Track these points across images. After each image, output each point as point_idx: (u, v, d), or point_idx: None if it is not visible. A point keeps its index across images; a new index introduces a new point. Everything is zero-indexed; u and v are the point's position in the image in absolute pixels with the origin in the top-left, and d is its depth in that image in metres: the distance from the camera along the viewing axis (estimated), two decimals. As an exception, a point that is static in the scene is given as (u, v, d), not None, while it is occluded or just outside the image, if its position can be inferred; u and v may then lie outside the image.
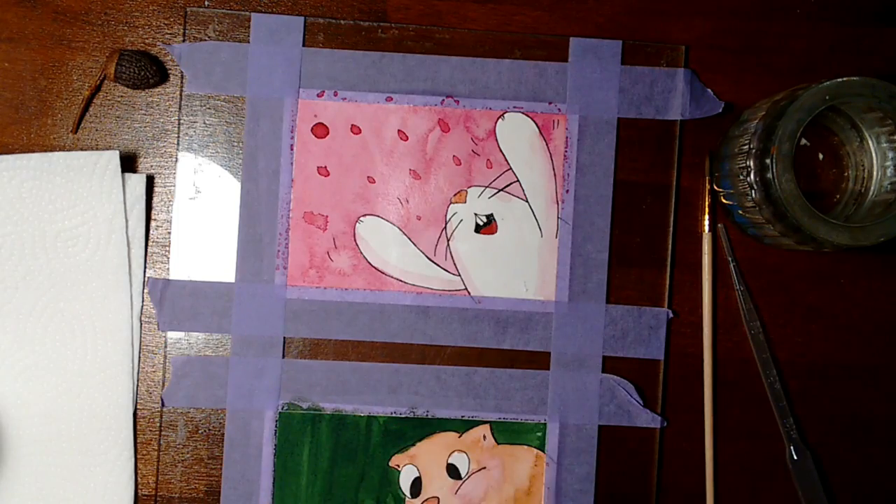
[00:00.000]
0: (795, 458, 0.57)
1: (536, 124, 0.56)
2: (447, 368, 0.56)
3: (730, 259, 0.57)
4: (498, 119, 0.56)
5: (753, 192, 0.52)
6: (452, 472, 0.56)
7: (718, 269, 0.57)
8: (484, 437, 0.56)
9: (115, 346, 0.55)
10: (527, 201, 0.56)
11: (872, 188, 0.55)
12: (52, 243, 0.54)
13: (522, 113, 0.56)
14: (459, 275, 0.56)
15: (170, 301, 0.55)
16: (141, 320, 0.55)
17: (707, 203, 0.57)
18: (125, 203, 0.54)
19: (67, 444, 0.54)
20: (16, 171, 0.53)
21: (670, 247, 0.57)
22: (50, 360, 0.54)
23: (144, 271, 0.55)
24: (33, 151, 0.55)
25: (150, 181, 0.55)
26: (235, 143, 0.56)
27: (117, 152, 0.54)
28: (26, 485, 0.54)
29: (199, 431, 0.56)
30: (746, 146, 0.52)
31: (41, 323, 0.54)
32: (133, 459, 0.55)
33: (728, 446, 0.57)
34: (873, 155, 0.55)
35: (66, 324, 0.54)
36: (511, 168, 0.56)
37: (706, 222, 0.57)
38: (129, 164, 0.56)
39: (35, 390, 0.54)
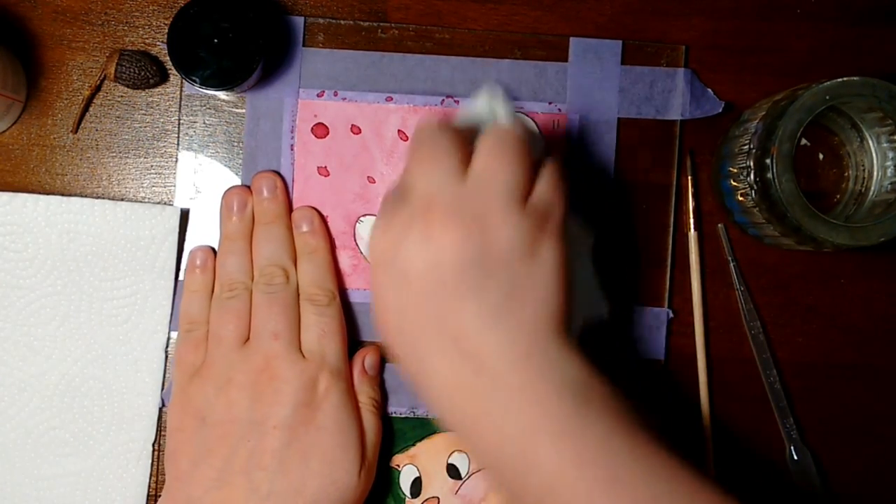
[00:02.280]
0: (795, 458, 0.57)
1: (536, 124, 0.56)
2: (447, 368, 0.56)
3: (730, 259, 0.57)
4: (498, 119, 0.56)
5: (753, 192, 0.52)
6: (452, 472, 0.56)
7: (718, 269, 0.57)
8: (484, 437, 0.56)
9: (150, 352, 0.55)
10: (527, 201, 0.56)
11: (872, 188, 0.55)
12: (98, 287, 0.54)
13: (522, 113, 0.56)
14: (459, 275, 0.56)
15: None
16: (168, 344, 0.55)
17: (691, 201, 0.56)
18: (158, 236, 0.54)
19: (84, 443, 0.55)
20: (69, 215, 0.54)
21: (670, 247, 0.57)
22: (90, 363, 0.55)
23: (173, 303, 0.55)
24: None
25: (185, 216, 0.55)
26: (235, 143, 0.56)
27: (178, 209, 0.54)
28: (41, 479, 0.54)
29: (199, 431, 0.56)
30: (746, 146, 0.52)
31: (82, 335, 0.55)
32: (151, 457, 0.55)
33: (728, 446, 0.57)
34: (873, 155, 0.55)
35: (107, 315, 0.55)
36: (511, 168, 0.56)
37: (691, 222, 0.57)
38: (129, 162, 0.56)
39: (76, 392, 0.55)
